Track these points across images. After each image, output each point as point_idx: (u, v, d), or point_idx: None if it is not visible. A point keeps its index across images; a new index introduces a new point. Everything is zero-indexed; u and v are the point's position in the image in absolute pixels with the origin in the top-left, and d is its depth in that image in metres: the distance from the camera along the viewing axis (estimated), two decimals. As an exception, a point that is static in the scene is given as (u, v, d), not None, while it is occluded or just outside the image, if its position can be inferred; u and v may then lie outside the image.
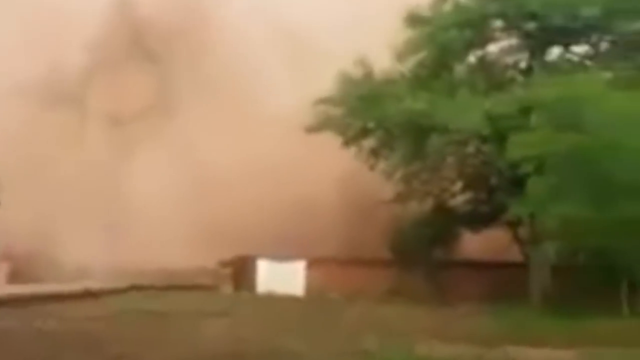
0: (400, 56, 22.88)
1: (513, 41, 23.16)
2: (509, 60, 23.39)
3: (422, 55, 22.84)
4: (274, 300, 22.74)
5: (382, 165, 23.02)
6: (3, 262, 25.41)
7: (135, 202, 26.09)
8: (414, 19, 22.98)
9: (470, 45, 23.09)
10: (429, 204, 23.29)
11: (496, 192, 22.13)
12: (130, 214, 26.19)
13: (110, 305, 19.19)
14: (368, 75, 23.15)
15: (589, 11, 21.81)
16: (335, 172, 25.27)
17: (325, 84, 23.12)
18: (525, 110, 20.43)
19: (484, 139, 21.58)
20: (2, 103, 27.02)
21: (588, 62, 23.00)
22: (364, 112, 23.02)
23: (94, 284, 23.42)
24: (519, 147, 19.26)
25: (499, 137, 20.58)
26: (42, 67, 27.73)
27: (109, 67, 29.15)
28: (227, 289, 25.48)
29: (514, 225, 22.38)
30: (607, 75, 21.44)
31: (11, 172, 24.56)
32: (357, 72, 23.02)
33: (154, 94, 28.85)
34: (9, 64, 27.15)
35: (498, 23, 23.07)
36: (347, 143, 23.41)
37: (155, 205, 26.08)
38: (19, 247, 25.11)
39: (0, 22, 27.68)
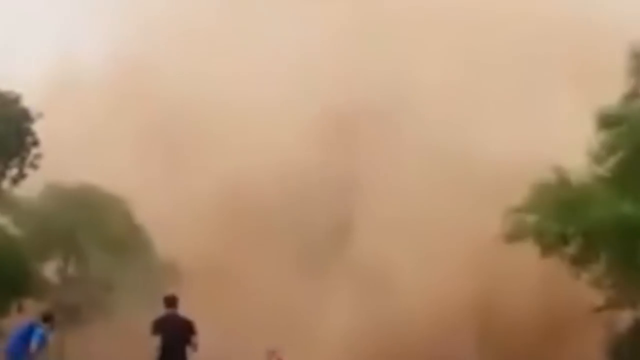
0: (598, 158, 22.37)
1: None
2: None
3: (620, 155, 22.28)
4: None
5: (586, 273, 22.22)
6: None
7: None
8: (607, 120, 22.52)
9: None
10: (641, 310, 22.18)
11: None
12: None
13: None
14: (564, 180, 22.71)
15: None
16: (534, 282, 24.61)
17: (519, 195, 22.82)
18: None
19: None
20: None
21: None
22: (563, 218, 22.46)
23: None
24: None
25: None
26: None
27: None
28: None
29: None
30: None
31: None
32: (552, 179, 22.67)
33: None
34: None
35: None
36: (546, 251, 22.82)
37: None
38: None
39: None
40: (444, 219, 26.30)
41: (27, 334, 16.84)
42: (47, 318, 17.31)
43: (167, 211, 28.61)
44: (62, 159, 27.91)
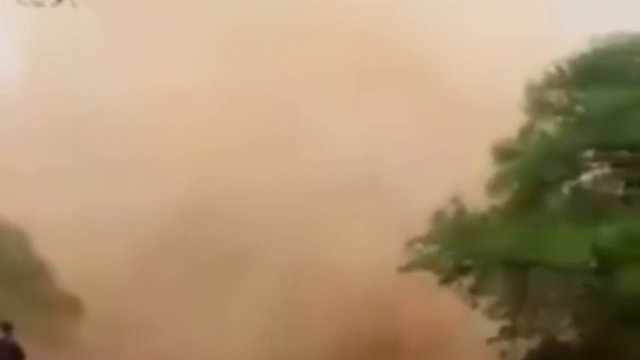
0: (492, 190, 22.91)
1: (607, 170, 23.17)
2: (605, 189, 23.27)
3: (514, 188, 22.87)
4: None
5: (483, 302, 22.63)
6: None
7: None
8: (502, 153, 23.14)
9: (562, 177, 23.06)
10: (537, 339, 22.65)
11: (609, 327, 21.45)
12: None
13: None
14: (461, 211, 23.15)
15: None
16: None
17: (416, 223, 23.18)
18: (632, 241, 20.15)
19: (590, 272, 21.15)
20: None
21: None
22: (459, 249, 22.89)
23: None
24: (632, 280, 18.88)
25: (607, 270, 20.23)
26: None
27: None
28: None
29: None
30: None
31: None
32: (450, 209, 23.07)
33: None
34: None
35: (589, 153, 23.15)
36: (444, 282, 23.15)
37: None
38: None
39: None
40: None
41: None
42: None
43: (75, 244, 27.77)
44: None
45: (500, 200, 22.79)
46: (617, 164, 22.64)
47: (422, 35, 29.61)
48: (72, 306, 27.56)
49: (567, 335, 22.51)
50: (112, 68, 29.31)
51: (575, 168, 22.90)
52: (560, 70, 22.85)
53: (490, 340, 22.23)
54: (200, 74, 29.24)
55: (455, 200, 22.95)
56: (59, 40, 29.71)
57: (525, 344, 22.41)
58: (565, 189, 23.10)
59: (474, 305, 22.58)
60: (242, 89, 28.94)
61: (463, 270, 22.88)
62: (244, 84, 28.91)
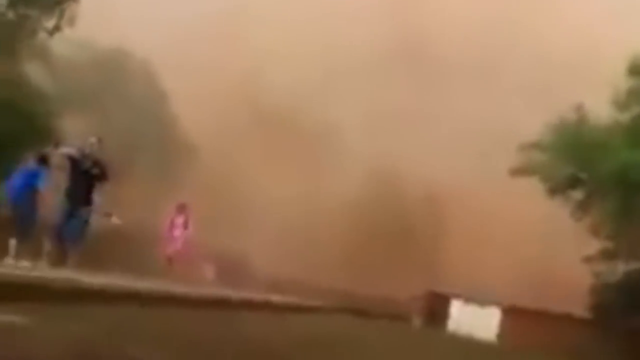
0: (621, 106, 21.87)
1: None
2: None
3: (644, 106, 21.72)
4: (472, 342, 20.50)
5: (588, 219, 22.04)
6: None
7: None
8: (637, 68, 21.90)
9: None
10: (634, 264, 21.95)
11: None
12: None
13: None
14: (583, 121, 22.33)
15: None
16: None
17: (535, 127, 22.56)
18: None
19: None
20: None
21: None
22: (576, 160, 22.19)
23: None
24: None
25: None
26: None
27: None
28: (417, 322, 24.43)
29: None
30: None
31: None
32: (571, 118, 22.31)
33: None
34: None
35: None
36: (552, 192, 22.60)
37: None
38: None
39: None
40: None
41: (30, 179, 15.08)
42: (44, 159, 15.36)
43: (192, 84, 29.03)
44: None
45: (627, 115, 21.81)
46: None
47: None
48: (190, 151, 29.60)
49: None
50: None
51: None
52: None
53: (586, 259, 21.73)
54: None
55: (578, 108, 22.16)
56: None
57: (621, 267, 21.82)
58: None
59: (579, 220, 22.05)
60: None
61: (574, 183, 22.31)
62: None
